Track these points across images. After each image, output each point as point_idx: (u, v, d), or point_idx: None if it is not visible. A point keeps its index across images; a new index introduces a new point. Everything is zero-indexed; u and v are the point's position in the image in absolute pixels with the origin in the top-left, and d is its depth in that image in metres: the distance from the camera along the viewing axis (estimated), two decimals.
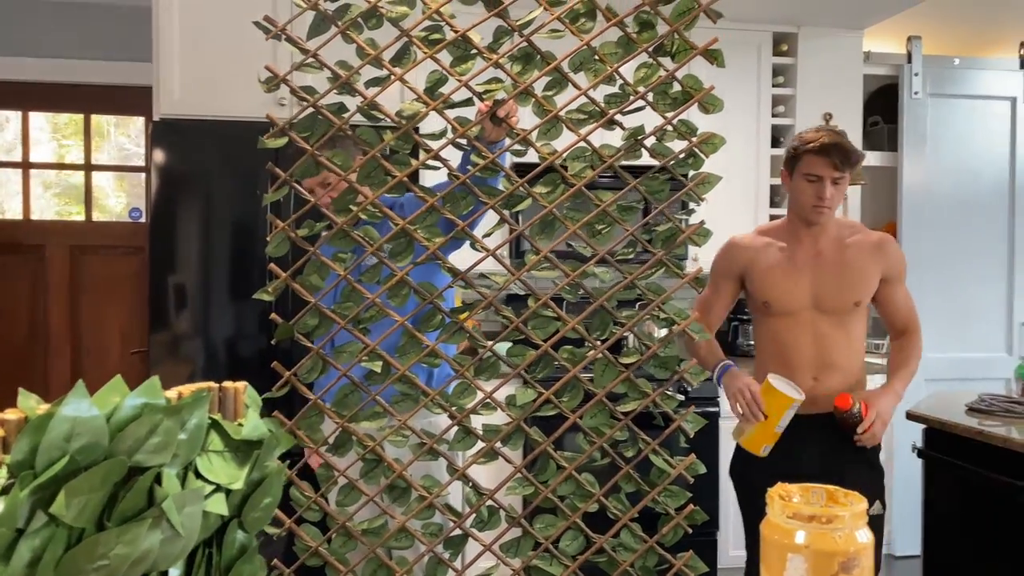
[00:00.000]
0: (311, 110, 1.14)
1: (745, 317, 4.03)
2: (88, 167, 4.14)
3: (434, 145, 1.17)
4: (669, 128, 1.16)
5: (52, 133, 4.18)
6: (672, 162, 1.17)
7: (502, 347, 1.17)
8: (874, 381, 2.70)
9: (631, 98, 1.16)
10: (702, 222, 1.16)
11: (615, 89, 1.17)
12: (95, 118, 4.15)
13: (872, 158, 4.11)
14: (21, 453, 0.53)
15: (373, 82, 1.15)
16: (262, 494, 0.67)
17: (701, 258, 3.30)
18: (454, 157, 1.51)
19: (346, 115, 1.15)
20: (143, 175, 4.24)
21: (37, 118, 4.13)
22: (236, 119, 3.21)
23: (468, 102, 1.17)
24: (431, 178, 3.29)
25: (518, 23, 1.14)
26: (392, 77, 1.14)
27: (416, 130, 1.16)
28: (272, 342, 1.16)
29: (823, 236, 2.18)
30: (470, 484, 1.21)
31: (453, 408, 1.19)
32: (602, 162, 1.17)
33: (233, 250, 3.19)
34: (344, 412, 1.18)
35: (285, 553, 1.25)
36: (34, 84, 3.98)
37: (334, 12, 1.12)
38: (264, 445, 0.66)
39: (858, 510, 0.79)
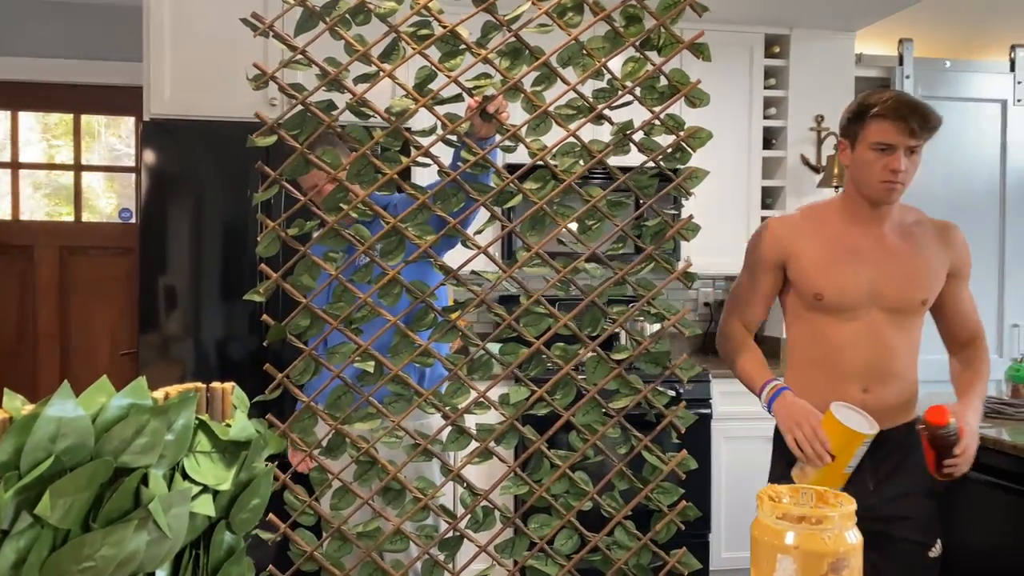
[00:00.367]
0: (300, 108, 1.13)
1: None
2: (78, 167, 4.12)
3: (424, 142, 1.16)
4: (657, 123, 1.15)
5: (42, 133, 4.16)
6: (660, 157, 1.17)
7: (493, 347, 1.17)
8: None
9: (619, 93, 1.15)
10: (691, 217, 1.16)
11: (603, 84, 1.17)
12: (86, 118, 4.13)
13: None
14: (5, 454, 0.52)
15: (362, 79, 1.15)
16: (250, 495, 0.66)
17: (692, 256, 3.30)
18: (445, 154, 1.50)
19: (335, 112, 1.14)
20: (133, 176, 4.22)
21: (27, 118, 4.10)
22: (227, 119, 3.20)
23: (458, 98, 1.17)
24: (423, 176, 3.28)
25: (506, 18, 1.14)
26: (381, 73, 1.14)
27: (406, 127, 1.15)
28: (264, 343, 1.15)
29: (887, 219, 1.83)
30: (464, 485, 1.20)
31: (447, 408, 1.18)
32: (591, 157, 1.16)
33: (224, 251, 3.18)
34: (337, 414, 1.17)
35: (276, 557, 1.24)
36: (24, 83, 3.96)
37: (322, 8, 1.11)
38: (252, 446, 0.65)
39: (847, 511, 0.79)
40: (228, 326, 3.17)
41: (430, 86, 1.15)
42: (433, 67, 1.14)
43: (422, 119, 1.94)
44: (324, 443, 1.17)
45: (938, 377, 2.11)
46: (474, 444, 1.20)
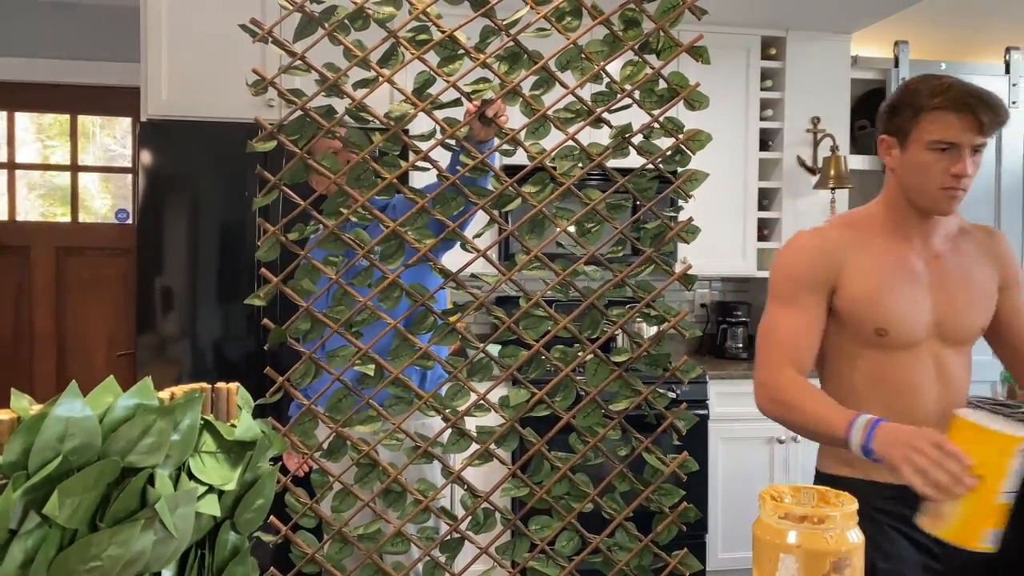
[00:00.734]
0: (299, 113, 1.14)
1: (734, 319, 4.04)
2: (75, 168, 4.11)
3: (423, 146, 1.17)
4: (656, 125, 1.16)
5: (36, 134, 4.15)
6: (660, 159, 1.17)
7: (493, 349, 1.17)
8: None
9: (618, 96, 1.16)
10: (690, 219, 1.17)
11: (602, 88, 1.18)
12: (80, 119, 4.13)
13: (859, 162, 4.14)
14: (14, 454, 0.52)
15: (361, 84, 1.15)
16: (255, 495, 0.66)
17: (689, 259, 3.31)
18: (443, 158, 1.51)
19: (335, 117, 1.15)
20: (128, 176, 4.21)
21: (21, 118, 4.09)
22: (224, 120, 3.20)
23: (456, 102, 1.17)
24: (422, 180, 3.29)
25: (504, 22, 1.15)
26: (380, 79, 1.14)
27: (405, 131, 1.16)
28: (264, 347, 1.16)
29: (936, 231, 1.53)
30: (465, 487, 1.21)
31: (447, 410, 1.18)
32: (590, 160, 1.17)
33: (221, 252, 3.18)
34: (338, 417, 1.17)
35: (274, 560, 1.25)
36: (20, 84, 3.95)
37: (320, 14, 1.12)
38: (257, 446, 0.66)
39: (848, 510, 0.79)
40: (225, 327, 3.16)
41: (429, 91, 1.16)
42: (432, 72, 1.15)
43: (421, 123, 1.94)
44: (325, 446, 1.18)
45: None
46: (474, 446, 1.20)
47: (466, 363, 1.19)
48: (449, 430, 1.20)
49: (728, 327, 4.06)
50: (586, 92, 1.19)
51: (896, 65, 4.07)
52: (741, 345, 4.04)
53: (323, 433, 1.20)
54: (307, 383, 1.16)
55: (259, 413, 0.83)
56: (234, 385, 0.68)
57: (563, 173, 1.17)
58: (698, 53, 1.15)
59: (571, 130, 1.17)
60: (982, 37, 4.17)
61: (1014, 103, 4.18)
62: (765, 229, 4.05)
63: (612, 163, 1.21)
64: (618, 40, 1.15)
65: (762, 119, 3.96)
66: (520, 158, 3.07)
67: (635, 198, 1.19)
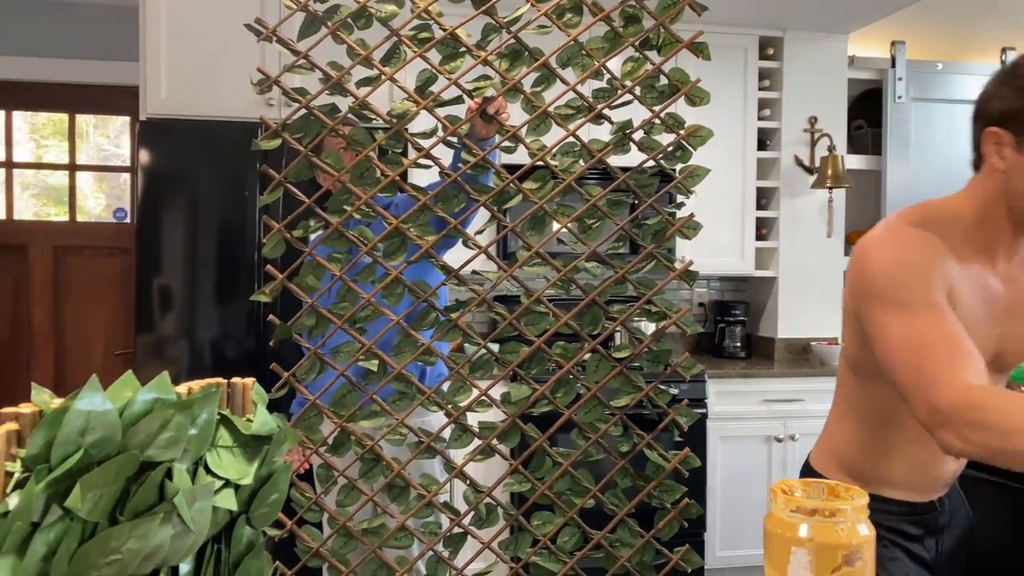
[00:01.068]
0: (303, 111, 1.14)
1: (733, 319, 4.06)
2: (72, 167, 4.11)
3: (425, 144, 1.17)
4: (657, 121, 1.17)
5: (30, 134, 4.14)
6: (661, 155, 1.18)
7: (493, 346, 1.18)
8: None
9: (619, 92, 1.17)
10: (691, 215, 1.17)
11: (603, 84, 1.19)
12: (75, 118, 4.12)
13: (856, 161, 4.16)
14: (36, 447, 0.53)
15: (364, 82, 1.16)
16: (270, 490, 0.67)
17: (687, 257, 3.33)
18: (445, 156, 1.51)
19: (338, 116, 1.15)
20: (122, 176, 4.21)
21: (15, 118, 4.09)
22: (223, 119, 3.20)
23: (458, 100, 1.18)
24: (423, 178, 3.29)
25: (505, 20, 1.15)
26: (383, 77, 1.15)
27: (406, 129, 1.16)
28: (270, 343, 1.17)
29: (1021, 251, 1.31)
30: (468, 482, 1.21)
31: (449, 406, 1.19)
32: (591, 157, 1.18)
33: (220, 251, 3.18)
34: (342, 412, 1.18)
35: (274, 555, 1.25)
36: (18, 83, 3.95)
37: (323, 13, 1.12)
38: (273, 441, 0.67)
39: (859, 504, 0.80)
40: (224, 327, 3.17)
41: (431, 88, 1.17)
42: (434, 70, 1.15)
43: (423, 121, 1.94)
44: (329, 440, 1.18)
45: None
46: (476, 442, 1.21)
47: (467, 359, 1.20)
48: (451, 426, 1.20)
49: (726, 326, 4.07)
50: (587, 89, 1.19)
51: (893, 65, 4.09)
52: (739, 344, 4.06)
53: (326, 429, 1.21)
54: (312, 379, 1.17)
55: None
56: (249, 380, 0.68)
57: (563, 169, 1.18)
58: (698, 49, 1.16)
59: (572, 126, 1.18)
60: (978, 37, 4.19)
61: None
62: (763, 228, 4.06)
63: (612, 161, 1.21)
64: (618, 36, 1.16)
65: (760, 119, 3.98)
66: (520, 157, 3.08)
67: (635, 195, 1.20)
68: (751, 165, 3.94)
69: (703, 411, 3.43)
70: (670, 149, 1.18)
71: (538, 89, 1.18)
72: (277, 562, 1.15)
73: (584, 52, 1.16)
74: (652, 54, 1.17)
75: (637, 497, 1.21)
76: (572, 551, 1.21)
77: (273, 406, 1.14)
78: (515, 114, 3.08)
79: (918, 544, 1.41)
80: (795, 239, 4.01)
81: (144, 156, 3.13)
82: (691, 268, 1.20)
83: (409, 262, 1.17)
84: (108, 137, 4.22)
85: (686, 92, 1.15)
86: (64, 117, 4.10)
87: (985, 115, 1.29)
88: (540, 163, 1.18)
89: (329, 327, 1.17)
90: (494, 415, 1.23)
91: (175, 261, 3.15)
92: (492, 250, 1.29)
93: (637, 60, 1.17)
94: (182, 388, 0.63)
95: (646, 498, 1.21)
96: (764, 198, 4.07)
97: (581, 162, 1.19)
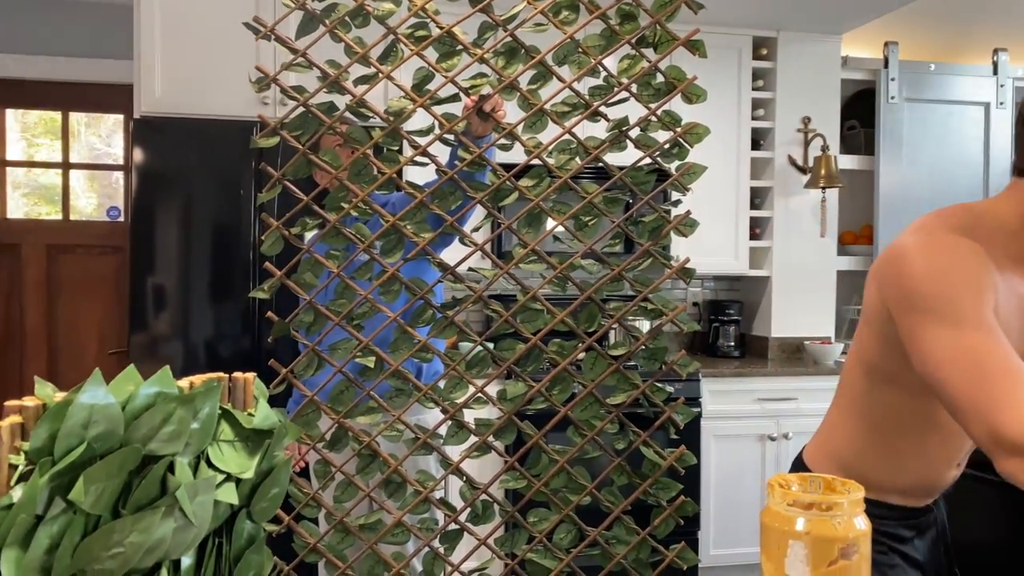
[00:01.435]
0: (301, 109, 1.15)
1: (727, 318, 4.07)
2: (66, 165, 4.10)
3: (422, 141, 1.18)
4: (653, 119, 1.17)
5: (21, 132, 4.13)
6: (657, 153, 1.18)
7: (488, 344, 1.19)
8: None
9: (615, 89, 1.17)
10: (688, 212, 1.18)
11: (599, 81, 1.19)
12: (68, 117, 4.11)
13: (849, 161, 4.17)
14: (40, 440, 0.53)
15: (361, 80, 1.16)
16: (270, 484, 0.67)
17: (682, 256, 3.33)
18: (442, 154, 1.52)
19: (335, 114, 1.16)
20: (114, 175, 4.20)
21: (7, 116, 4.08)
22: (218, 118, 3.20)
23: (455, 98, 1.18)
24: (419, 176, 3.29)
25: (502, 18, 1.16)
26: (380, 75, 1.15)
27: (402, 127, 1.17)
28: (268, 339, 1.17)
29: None
30: (464, 478, 1.22)
31: (445, 403, 1.20)
32: (587, 154, 1.18)
33: (215, 250, 3.18)
34: (340, 408, 1.18)
35: (272, 549, 1.25)
36: (9, 81, 3.94)
37: (321, 11, 1.13)
38: (274, 435, 0.67)
39: (855, 498, 0.81)
40: (219, 326, 3.16)
41: (427, 86, 1.17)
42: (431, 67, 1.16)
43: (420, 119, 1.94)
44: (327, 437, 1.19)
45: None
46: (472, 439, 1.21)
47: (463, 357, 1.20)
48: (448, 422, 1.21)
49: (720, 325, 4.08)
50: (583, 87, 1.20)
51: (886, 66, 4.11)
52: (733, 343, 4.07)
53: (324, 426, 1.21)
54: (309, 375, 1.18)
55: None
56: (251, 375, 0.69)
57: (559, 167, 1.18)
58: (695, 47, 1.17)
59: (568, 124, 1.18)
60: (971, 38, 4.21)
61: (1001, 104, 4.22)
62: (757, 228, 4.08)
63: (608, 159, 1.22)
64: (615, 34, 1.17)
65: (754, 119, 3.99)
66: (517, 156, 3.08)
67: (632, 192, 1.21)
68: (745, 165, 3.95)
69: (697, 410, 3.45)
70: (667, 147, 1.18)
71: (534, 87, 1.18)
72: (275, 557, 1.15)
73: (580, 50, 1.17)
74: (648, 52, 1.18)
75: (633, 494, 1.22)
76: (568, 548, 1.21)
77: (270, 404, 1.14)
78: (511, 112, 3.09)
79: (910, 545, 1.41)
80: (789, 239, 4.02)
81: (138, 154, 3.12)
82: (690, 267, 1.20)
83: (406, 259, 1.18)
84: (100, 136, 4.21)
85: (682, 89, 1.16)
86: (56, 115, 4.08)
87: None
88: (536, 160, 1.19)
89: (327, 324, 1.17)
90: (491, 412, 1.23)
91: (169, 260, 3.15)
92: (488, 249, 1.30)
93: (633, 58, 1.18)
94: (184, 382, 0.63)
95: (642, 496, 1.22)
96: (758, 198, 4.08)
97: (577, 159, 1.19)
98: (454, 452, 1.21)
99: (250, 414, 0.68)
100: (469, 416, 1.21)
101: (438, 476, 1.23)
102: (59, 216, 4.09)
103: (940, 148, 4.15)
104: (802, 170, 4.01)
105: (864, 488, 1.37)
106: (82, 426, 0.54)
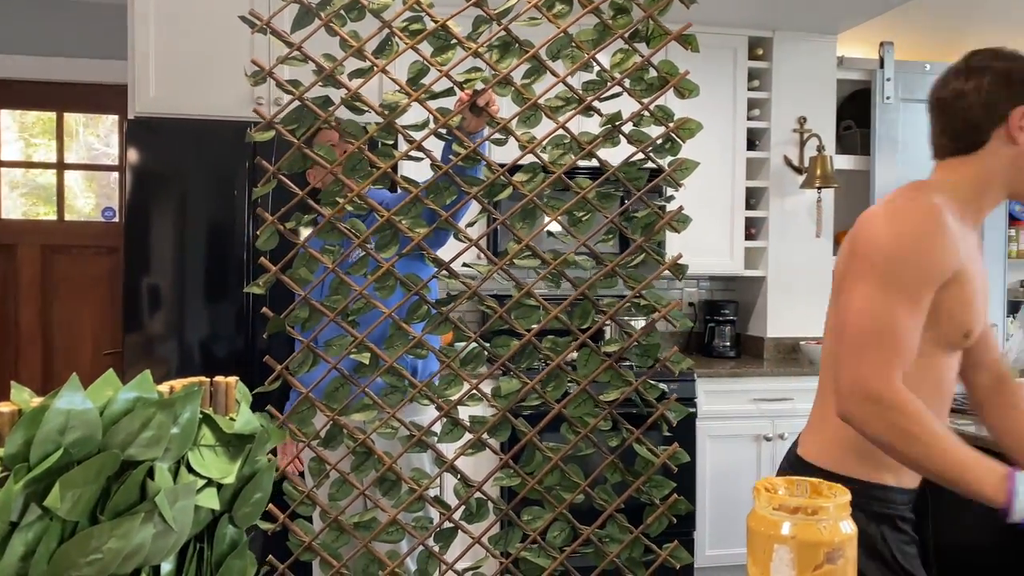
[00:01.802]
0: (297, 103, 1.15)
1: (722, 318, 4.07)
2: (61, 166, 4.09)
3: (416, 136, 1.18)
4: (646, 114, 1.17)
5: (19, 132, 4.12)
6: (650, 148, 1.18)
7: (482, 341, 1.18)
8: None
9: (608, 84, 1.17)
10: (680, 208, 1.18)
11: (592, 76, 1.19)
12: (65, 118, 4.10)
13: (845, 161, 4.17)
14: (15, 446, 0.52)
15: (356, 74, 1.16)
16: (253, 489, 0.67)
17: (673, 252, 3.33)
18: (437, 150, 1.51)
19: (331, 108, 1.16)
20: (112, 175, 4.20)
21: (4, 116, 4.07)
22: (213, 118, 3.19)
23: (449, 92, 1.18)
24: (414, 173, 3.28)
25: (496, 12, 1.16)
26: (375, 68, 1.15)
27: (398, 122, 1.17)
28: (264, 335, 1.17)
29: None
30: (459, 476, 1.21)
31: (440, 400, 1.19)
32: (581, 149, 1.18)
33: (209, 250, 3.17)
34: (334, 405, 1.18)
35: (265, 549, 1.25)
36: (5, 81, 3.93)
37: (317, 5, 1.13)
38: (256, 440, 0.66)
39: (841, 502, 0.80)
40: (213, 325, 3.16)
41: (422, 80, 1.17)
42: (425, 61, 1.16)
43: (415, 114, 1.94)
44: (322, 434, 1.19)
45: None
46: (466, 437, 1.21)
47: (458, 353, 1.20)
48: (443, 420, 1.21)
49: (716, 325, 4.08)
50: (577, 81, 1.20)
51: (881, 66, 4.10)
52: (729, 343, 4.07)
53: (319, 423, 1.21)
54: (304, 372, 1.18)
55: (259, 404, 0.83)
56: (233, 379, 0.68)
57: (553, 162, 1.18)
58: (687, 41, 1.17)
59: (562, 118, 1.18)
60: (966, 39, 4.20)
61: None
62: (752, 228, 4.07)
63: (603, 156, 1.22)
64: (608, 28, 1.16)
65: (749, 119, 3.99)
66: (512, 153, 3.07)
67: (626, 188, 1.20)
68: (740, 165, 3.95)
69: (692, 410, 3.44)
70: (659, 142, 1.18)
71: (528, 81, 1.18)
72: (270, 556, 1.15)
73: (573, 44, 1.17)
74: (642, 47, 1.18)
75: (626, 492, 1.21)
76: (562, 547, 1.21)
77: (267, 400, 1.14)
78: (506, 106, 3.08)
79: (913, 528, 1.44)
80: (784, 239, 4.02)
81: (132, 155, 3.11)
82: (683, 263, 1.20)
83: (401, 254, 1.18)
84: (98, 136, 4.20)
85: (675, 84, 1.16)
86: (52, 116, 4.07)
87: (1012, 95, 1.35)
88: (531, 156, 1.19)
89: (322, 320, 1.17)
90: (486, 410, 1.23)
91: (164, 260, 3.14)
92: (485, 247, 1.29)
93: (626, 52, 1.18)
94: (164, 387, 0.63)
95: (635, 494, 1.21)
96: (753, 198, 4.08)
97: (571, 155, 1.19)
98: (450, 450, 1.21)
99: (232, 419, 0.67)
100: (464, 414, 1.21)
101: (433, 474, 1.23)
102: (55, 217, 4.08)
103: None
104: (798, 170, 4.01)
105: (874, 467, 1.39)
106: (58, 432, 0.53)
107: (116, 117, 4.10)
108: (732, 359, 3.98)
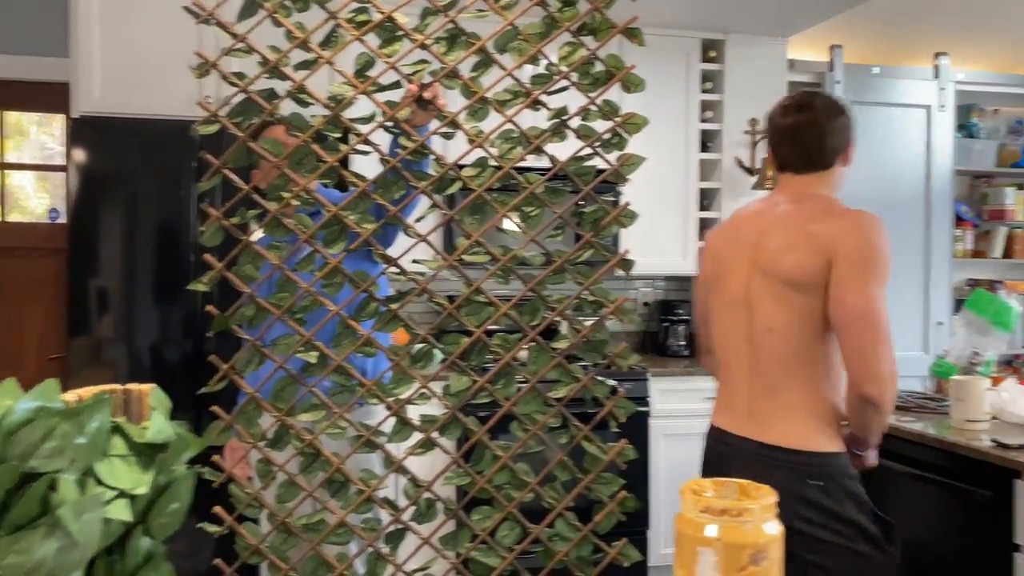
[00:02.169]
0: (242, 96, 1.12)
1: (676, 317, 4.09)
2: (1, 166, 3.98)
3: (363, 129, 1.16)
4: (593, 108, 1.17)
5: None
6: (598, 143, 1.18)
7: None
8: None
9: (555, 78, 1.16)
10: (627, 203, 1.17)
11: (541, 70, 1.18)
12: (16, 116, 4.00)
13: None
14: None
15: (301, 66, 1.14)
16: (169, 499, 0.64)
17: (632, 256, 3.34)
18: (385, 143, 1.49)
19: (276, 100, 1.14)
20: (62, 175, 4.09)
21: None
22: (160, 117, 3.13)
23: (396, 85, 1.17)
24: (363, 168, 3.25)
25: (443, 4, 1.14)
26: (320, 60, 1.13)
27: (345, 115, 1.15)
28: (209, 334, 1.14)
29: None
30: (408, 476, 1.20)
31: (390, 399, 1.18)
32: (529, 143, 1.17)
33: (157, 251, 3.11)
34: (281, 405, 1.16)
35: (218, 552, 1.22)
36: None
37: None
38: (170, 449, 0.64)
39: (767, 503, 0.80)
40: (162, 328, 3.09)
41: (369, 72, 1.15)
42: (371, 53, 1.14)
43: (362, 107, 1.91)
44: (269, 435, 1.16)
45: None
46: (417, 436, 1.19)
47: (407, 351, 1.18)
48: (392, 419, 1.19)
49: (670, 325, 4.10)
50: (525, 75, 1.19)
51: (831, 68, 4.17)
52: (683, 343, 4.09)
53: (266, 423, 1.19)
54: (250, 371, 1.15)
55: (204, 404, 0.81)
56: (148, 386, 0.65)
57: (502, 156, 1.17)
58: (633, 34, 1.16)
59: (510, 112, 1.17)
60: (913, 43, 4.29)
61: (942, 107, 4.31)
62: (706, 229, 4.10)
63: (551, 151, 1.21)
64: (554, 21, 1.16)
65: (703, 121, 4.02)
66: (461, 148, 3.06)
67: (575, 184, 1.20)
68: (693, 166, 3.98)
69: (645, 409, 3.45)
70: (606, 136, 1.18)
71: (476, 74, 1.17)
72: (217, 560, 1.12)
73: (521, 37, 1.16)
74: (590, 41, 1.18)
75: (575, 490, 1.21)
76: (511, 546, 1.20)
77: (214, 402, 1.11)
78: (454, 100, 3.06)
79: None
80: None
81: (78, 155, 3.04)
82: (634, 268, 1.20)
83: (348, 250, 1.16)
84: (52, 135, 4.10)
85: (621, 78, 1.15)
86: None
87: (851, 135, 1.93)
88: (479, 150, 1.18)
89: (268, 318, 1.14)
90: (436, 408, 1.21)
91: (110, 262, 3.07)
92: (439, 246, 1.28)
93: (573, 46, 1.17)
94: (71, 396, 0.60)
95: (585, 492, 1.21)
96: (706, 199, 4.11)
97: (520, 149, 1.18)
98: (401, 450, 1.19)
99: (144, 427, 0.64)
100: (414, 413, 1.19)
101: (383, 475, 1.21)
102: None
103: (883, 150, 4.22)
104: (749, 171, 4.05)
105: (840, 443, 1.69)
106: None
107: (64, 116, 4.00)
108: (686, 358, 4.01)
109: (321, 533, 1.16)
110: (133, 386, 0.65)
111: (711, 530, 0.77)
